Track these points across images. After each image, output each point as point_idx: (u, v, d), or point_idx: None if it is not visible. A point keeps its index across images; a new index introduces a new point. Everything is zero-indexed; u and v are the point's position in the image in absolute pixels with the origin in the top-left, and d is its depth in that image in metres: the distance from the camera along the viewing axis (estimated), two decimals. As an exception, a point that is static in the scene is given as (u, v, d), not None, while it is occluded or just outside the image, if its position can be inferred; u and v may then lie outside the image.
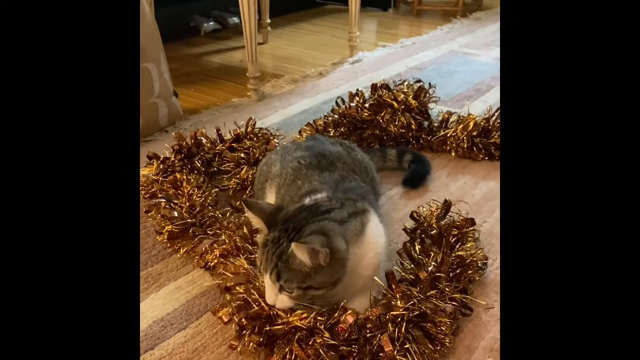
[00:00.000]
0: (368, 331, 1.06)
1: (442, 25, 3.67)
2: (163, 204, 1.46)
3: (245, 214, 1.40)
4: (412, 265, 1.22)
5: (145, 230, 1.49)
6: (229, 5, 3.28)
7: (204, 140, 1.74)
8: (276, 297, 1.04)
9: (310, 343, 1.02)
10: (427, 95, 1.91)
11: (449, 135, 1.86)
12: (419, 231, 1.33)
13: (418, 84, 1.94)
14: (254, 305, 1.07)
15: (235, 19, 3.19)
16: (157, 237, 1.44)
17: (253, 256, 1.21)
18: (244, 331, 1.07)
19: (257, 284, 1.12)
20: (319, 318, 1.04)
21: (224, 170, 1.66)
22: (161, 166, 1.60)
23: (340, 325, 1.03)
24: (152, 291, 1.29)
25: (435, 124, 1.92)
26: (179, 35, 3.25)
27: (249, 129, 1.77)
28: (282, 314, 1.05)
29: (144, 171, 1.62)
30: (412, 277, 1.17)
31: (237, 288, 1.13)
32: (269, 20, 3.27)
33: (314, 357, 1.01)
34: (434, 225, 1.31)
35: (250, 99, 2.41)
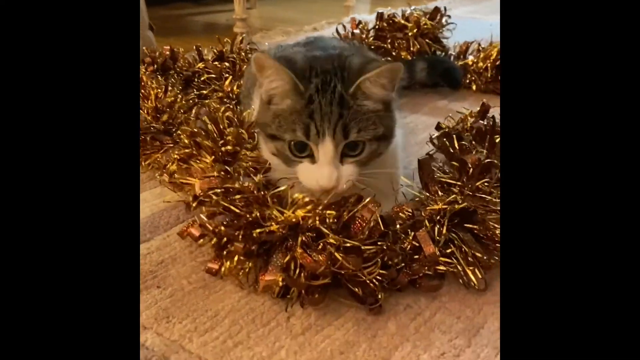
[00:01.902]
0: (398, 227, 0.77)
1: (443, -1, 3.45)
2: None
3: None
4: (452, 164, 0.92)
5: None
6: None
7: (181, 61, 1.45)
8: (339, 172, 0.76)
9: (319, 247, 0.72)
10: (443, 18, 1.65)
11: (469, 64, 1.60)
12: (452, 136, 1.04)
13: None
14: (236, 210, 0.77)
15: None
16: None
17: (224, 148, 0.90)
18: (225, 244, 0.77)
19: (237, 186, 0.81)
20: (328, 213, 0.75)
21: (205, 88, 1.37)
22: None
23: (357, 221, 0.74)
24: (107, 202, 0.99)
25: (452, 54, 1.66)
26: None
27: (236, 47, 1.49)
28: (276, 213, 0.75)
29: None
30: (453, 176, 0.88)
31: (210, 195, 0.81)
32: (256, -18, 3.03)
33: (327, 265, 0.71)
34: (472, 126, 1.03)
35: (237, 45, 2.14)
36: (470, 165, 0.83)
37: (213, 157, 0.86)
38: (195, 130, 0.90)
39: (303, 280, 0.69)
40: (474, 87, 1.60)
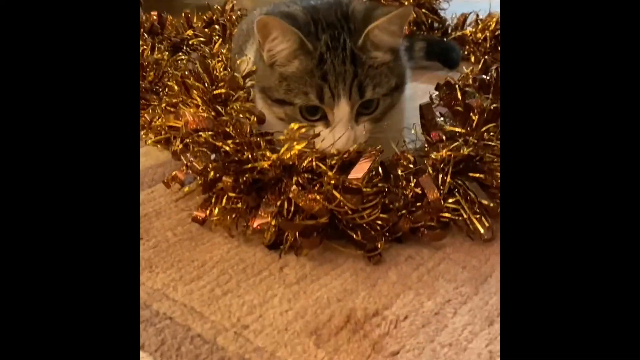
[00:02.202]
0: (400, 172, 0.72)
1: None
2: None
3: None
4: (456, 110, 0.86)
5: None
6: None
7: (169, 28, 1.40)
8: (355, 133, 0.73)
9: (316, 188, 0.67)
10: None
11: (467, 34, 1.55)
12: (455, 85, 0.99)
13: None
14: (226, 147, 0.72)
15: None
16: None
17: (217, 91, 0.84)
18: (213, 182, 0.71)
19: (228, 129, 0.75)
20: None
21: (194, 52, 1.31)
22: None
23: (355, 169, 0.68)
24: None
25: (450, 25, 1.61)
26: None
27: (226, 14, 1.43)
28: (269, 154, 0.70)
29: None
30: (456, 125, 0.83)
31: (199, 137, 0.76)
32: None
33: (324, 205, 0.65)
34: (475, 77, 0.98)
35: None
36: (474, 112, 0.78)
37: (203, 101, 0.80)
38: (186, 72, 0.84)
39: (298, 221, 0.64)
40: (472, 59, 1.55)
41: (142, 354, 0.54)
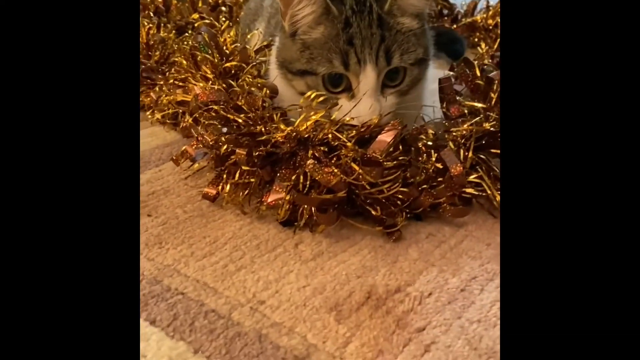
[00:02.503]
0: (421, 145, 0.69)
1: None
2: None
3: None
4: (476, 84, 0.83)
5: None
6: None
7: (174, 12, 1.37)
8: (381, 106, 0.69)
9: (333, 161, 0.64)
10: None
11: (478, 21, 1.52)
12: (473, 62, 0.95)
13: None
14: (238, 119, 0.69)
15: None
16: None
17: (228, 64, 0.80)
18: (226, 156, 0.68)
19: (240, 103, 0.72)
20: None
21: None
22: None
23: (376, 142, 0.66)
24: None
25: (460, 11, 1.58)
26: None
27: (233, -3, 1.40)
28: (282, 126, 0.67)
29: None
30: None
31: (209, 110, 0.73)
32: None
33: (342, 178, 0.62)
34: (493, 54, 0.95)
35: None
36: (494, 88, 0.75)
37: (213, 75, 0.77)
38: (195, 44, 0.81)
39: (314, 195, 0.61)
40: (483, 45, 1.51)
41: (153, 329, 0.51)
